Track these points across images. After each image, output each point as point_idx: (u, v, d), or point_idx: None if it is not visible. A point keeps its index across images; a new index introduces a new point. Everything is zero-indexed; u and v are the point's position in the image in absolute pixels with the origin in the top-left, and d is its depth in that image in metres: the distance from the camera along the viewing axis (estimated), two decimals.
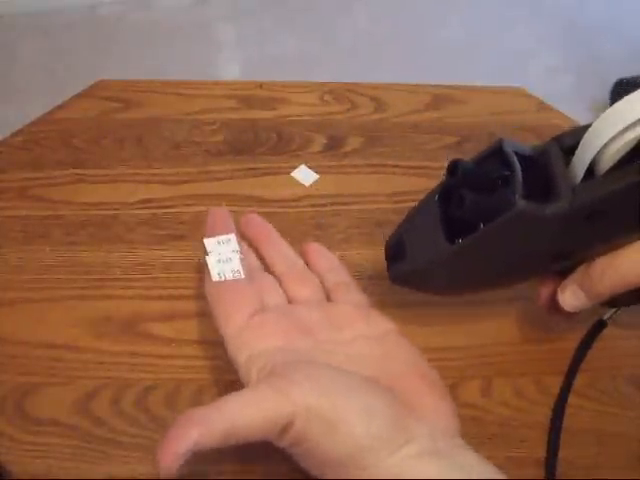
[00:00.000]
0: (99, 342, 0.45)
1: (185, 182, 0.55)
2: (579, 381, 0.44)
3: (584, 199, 0.33)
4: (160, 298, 0.48)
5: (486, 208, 0.34)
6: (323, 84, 0.65)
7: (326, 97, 0.63)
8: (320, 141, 0.59)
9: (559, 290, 0.39)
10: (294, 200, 0.54)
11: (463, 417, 0.42)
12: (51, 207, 0.53)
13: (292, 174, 0.56)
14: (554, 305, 0.40)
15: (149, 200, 0.54)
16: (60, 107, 0.61)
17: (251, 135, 0.59)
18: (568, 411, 0.43)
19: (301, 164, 0.57)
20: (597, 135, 0.33)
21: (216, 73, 1.74)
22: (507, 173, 0.35)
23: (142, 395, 0.43)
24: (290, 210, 0.54)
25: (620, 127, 0.32)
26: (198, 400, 0.43)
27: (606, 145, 0.33)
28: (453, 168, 0.36)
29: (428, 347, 0.45)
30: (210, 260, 0.40)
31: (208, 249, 0.40)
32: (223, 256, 0.40)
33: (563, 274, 0.39)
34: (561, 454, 0.41)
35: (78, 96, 0.62)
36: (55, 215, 0.52)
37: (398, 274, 0.41)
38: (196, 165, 0.56)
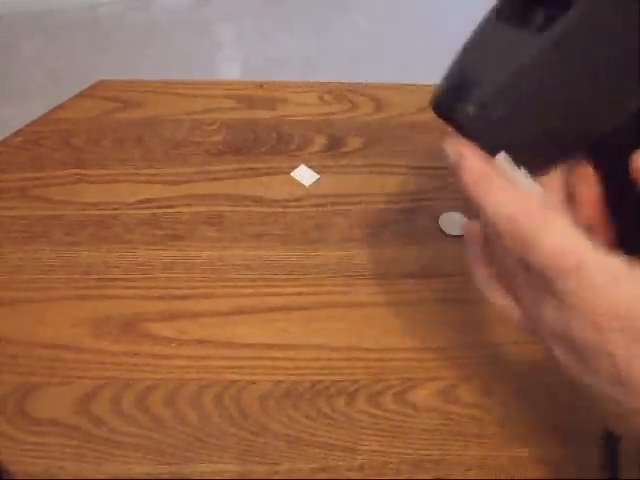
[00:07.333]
0: (99, 342, 0.45)
1: (185, 182, 0.55)
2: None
3: None
4: (160, 298, 0.48)
5: None
6: (323, 84, 0.65)
7: (326, 97, 0.63)
8: (320, 141, 0.59)
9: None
10: (294, 200, 0.54)
11: (463, 417, 0.42)
12: (51, 207, 0.53)
13: (292, 174, 0.56)
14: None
15: (149, 200, 0.54)
16: (60, 107, 0.61)
17: (251, 135, 0.59)
18: (568, 411, 0.43)
19: (301, 164, 0.57)
20: None
21: (216, 73, 1.74)
22: None
23: (142, 395, 0.43)
24: (290, 210, 0.54)
25: None
26: (198, 400, 0.43)
27: None
28: None
29: (428, 346, 0.45)
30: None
31: None
32: None
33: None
34: (562, 454, 0.41)
35: (78, 96, 0.62)
36: (55, 215, 0.52)
37: (476, 109, 0.28)
38: (196, 165, 0.56)
